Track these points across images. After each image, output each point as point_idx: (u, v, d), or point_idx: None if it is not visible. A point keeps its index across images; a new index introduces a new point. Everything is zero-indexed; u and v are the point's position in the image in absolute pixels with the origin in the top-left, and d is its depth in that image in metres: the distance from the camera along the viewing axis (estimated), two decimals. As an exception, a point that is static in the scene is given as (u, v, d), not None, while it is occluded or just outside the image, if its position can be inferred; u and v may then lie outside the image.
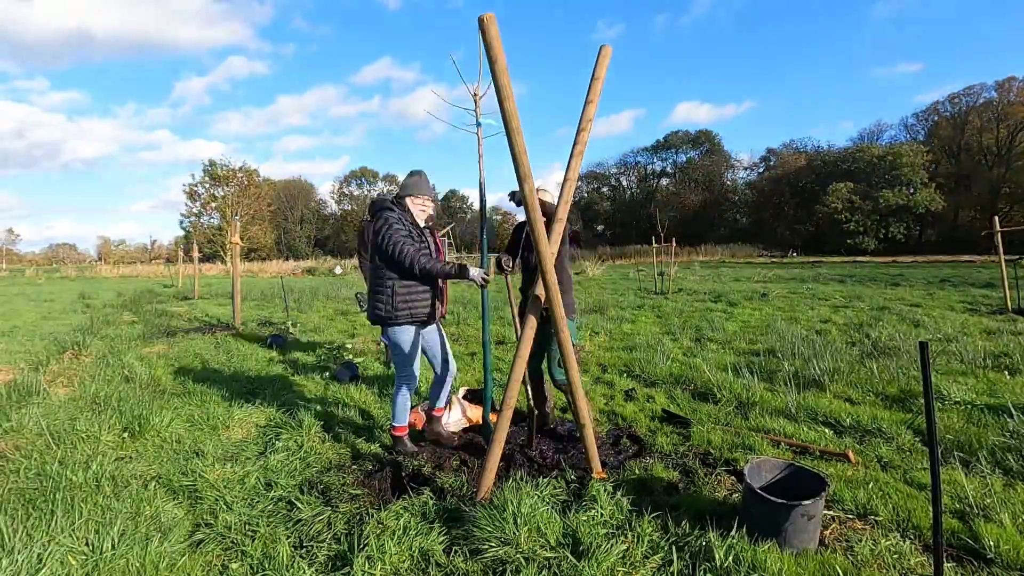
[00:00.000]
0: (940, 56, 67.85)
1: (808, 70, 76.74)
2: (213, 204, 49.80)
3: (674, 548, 2.16)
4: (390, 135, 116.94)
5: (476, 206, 73.02)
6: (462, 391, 4.14)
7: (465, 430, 3.76)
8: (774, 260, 38.64)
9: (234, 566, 2.18)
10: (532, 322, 2.63)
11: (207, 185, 50.13)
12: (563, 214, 2.63)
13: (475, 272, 3.02)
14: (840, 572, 2.06)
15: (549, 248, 2.49)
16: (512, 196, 5.09)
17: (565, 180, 2.60)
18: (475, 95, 3.15)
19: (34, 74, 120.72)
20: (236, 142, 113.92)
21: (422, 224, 3.31)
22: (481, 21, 2.06)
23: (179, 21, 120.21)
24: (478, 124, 3.27)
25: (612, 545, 2.19)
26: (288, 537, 2.36)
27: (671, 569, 2.07)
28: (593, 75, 2.52)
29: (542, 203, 2.86)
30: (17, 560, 2.05)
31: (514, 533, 2.24)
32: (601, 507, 2.46)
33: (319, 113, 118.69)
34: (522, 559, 2.13)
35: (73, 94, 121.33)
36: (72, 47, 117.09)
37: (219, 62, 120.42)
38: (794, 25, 72.94)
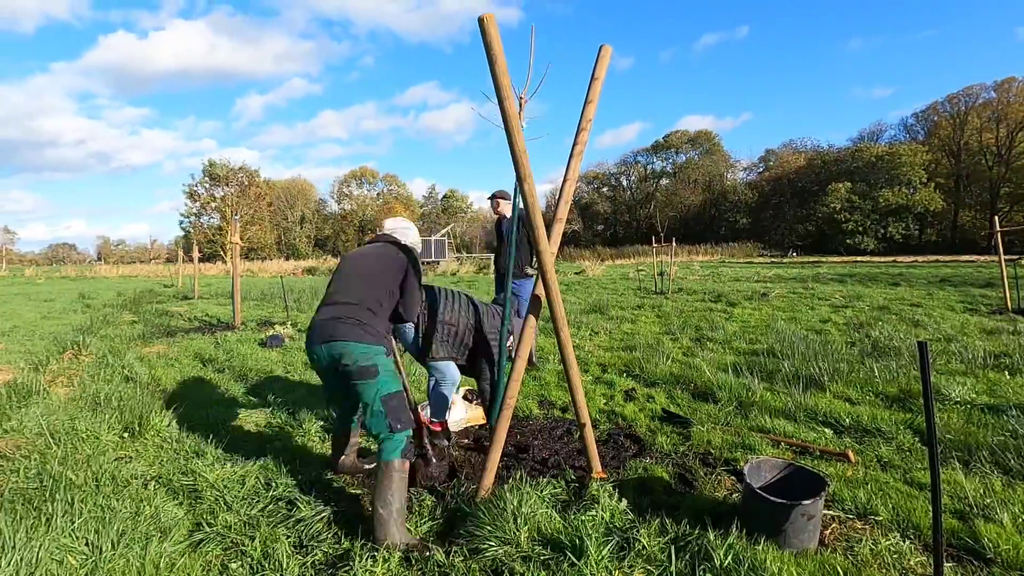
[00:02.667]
0: (908, 81, 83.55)
1: (798, 88, 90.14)
2: (212, 204, 49.81)
3: (674, 548, 2.16)
4: (413, 145, 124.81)
5: (475, 207, 73.08)
6: (462, 390, 4.14)
7: (467, 430, 3.76)
8: (774, 260, 38.63)
9: (234, 566, 2.18)
10: (532, 322, 2.63)
11: (207, 185, 50.14)
12: (563, 214, 2.63)
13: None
14: (840, 572, 2.06)
15: (549, 248, 2.49)
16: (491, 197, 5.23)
17: (565, 180, 2.60)
18: (520, 97, 3.15)
19: (119, 97, 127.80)
20: (274, 150, 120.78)
21: None
22: (481, 21, 2.06)
23: (266, 58, 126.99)
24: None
25: (612, 545, 2.19)
26: (288, 537, 2.36)
27: (671, 569, 2.07)
28: (593, 75, 2.52)
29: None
30: (17, 560, 2.05)
31: (514, 533, 2.24)
32: (601, 507, 2.46)
33: (354, 125, 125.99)
34: (522, 559, 2.13)
35: (144, 111, 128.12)
36: (167, 79, 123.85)
37: (282, 83, 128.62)
38: (785, 52, 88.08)
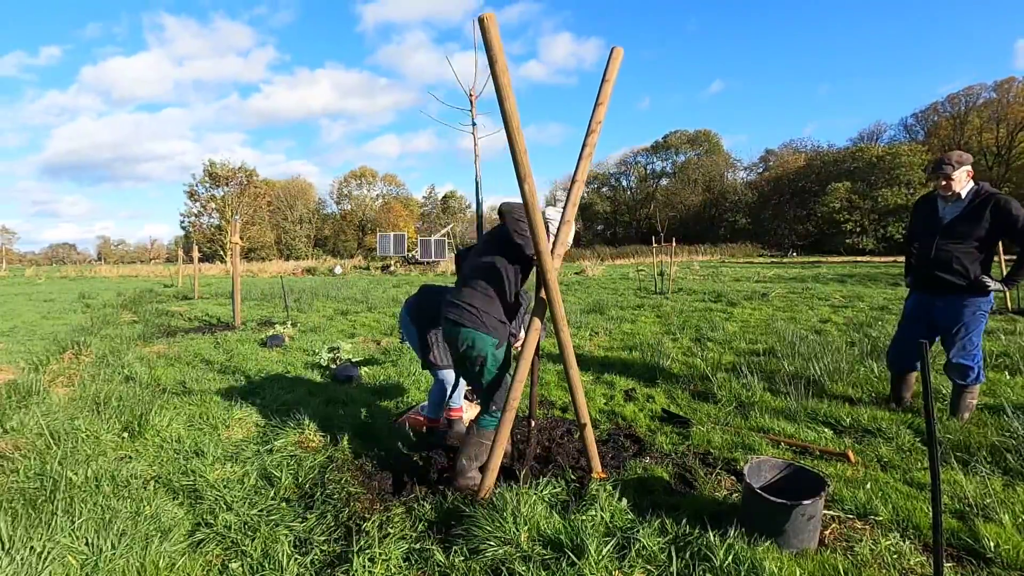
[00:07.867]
0: (867, 114, 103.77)
1: (786, 117, 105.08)
2: (212, 204, 49.87)
3: (673, 548, 2.16)
4: (442, 154, 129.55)
5: (474, 207, 73.42)
6: (464, 390, 4.13)
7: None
8: (774, 260, 38.61)
9: (234, 566, 2.18)
10: (536, 324, 2.62)
11: (207, 185, 50.17)
12: (571, 215, 2.63)
13: None
14: (840, 572, 2.06)
15: (549, 248, 2.49)
16: None
17: (573, 181, 2.60)
18: (471, 95, 3.16)
19: (235, 127, 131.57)
20: (335, 164, 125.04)
21: None
22: (481, 20, 2.06)
23: (373, 105, 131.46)
24: (473, 124, 3.32)
25: (612, 545, 2.19)
26: (288, 536, 2.36)
27: (671, 569, 2.07)
28: (604, 77, 2.50)
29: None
30: (17, 560, 2.05)
31: (514, 533, 2.24)
32: (601, 507, 2.46)
33: (407, 143, 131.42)
34: (522, 559, 2.13)
35: (244, 136, 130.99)
36: (284, 117, 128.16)
37: (369, 117, 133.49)
38: (778, 91, 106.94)
